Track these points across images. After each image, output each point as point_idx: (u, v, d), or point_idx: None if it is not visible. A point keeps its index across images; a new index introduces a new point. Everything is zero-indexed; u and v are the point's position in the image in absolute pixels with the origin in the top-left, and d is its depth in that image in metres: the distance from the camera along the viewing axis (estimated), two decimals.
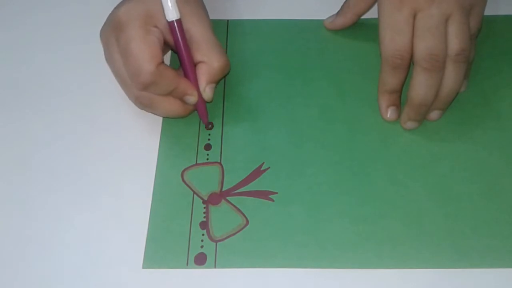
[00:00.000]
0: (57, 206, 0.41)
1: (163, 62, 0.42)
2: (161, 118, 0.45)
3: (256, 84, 0.48)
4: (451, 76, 0.42)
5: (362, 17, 0.51)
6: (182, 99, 0.43)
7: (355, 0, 0.50)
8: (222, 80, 0.48)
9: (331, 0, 0.52)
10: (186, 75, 0.43)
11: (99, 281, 0.38)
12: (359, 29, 0.51)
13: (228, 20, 0.52)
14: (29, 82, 0.48)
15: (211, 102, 0.45)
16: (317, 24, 0.51)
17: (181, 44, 0.42)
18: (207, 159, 0.44)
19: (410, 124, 0.44)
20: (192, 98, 0.43)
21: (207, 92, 0.43)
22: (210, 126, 0.45)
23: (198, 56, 0.43)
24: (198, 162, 0.43)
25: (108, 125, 0.45)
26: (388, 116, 0.45)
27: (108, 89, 0.47)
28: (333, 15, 0.51)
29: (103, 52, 0.45)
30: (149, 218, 0.41)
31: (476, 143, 0.44)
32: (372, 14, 0.50)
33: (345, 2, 0.51)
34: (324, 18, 0.51)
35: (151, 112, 0.45)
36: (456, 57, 0.41)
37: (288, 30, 0.51)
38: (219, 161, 0.43)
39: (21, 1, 0.54)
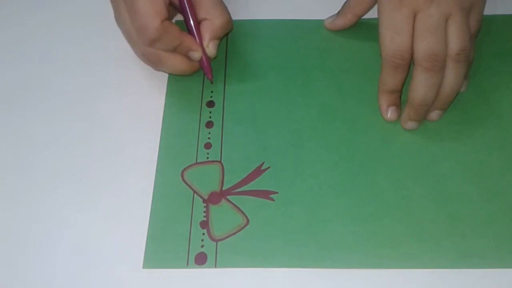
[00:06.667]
0: (57, 206, 0.41)
1: (168, 19, 0.43)
2: (161, 117, 0.45)
3: (256, 84, 0.48)
4: (452, 76, 0.42)
5: (362, 17, 0.51)
6: (187, 56, 0.45)
7: (355, 0, 0.50)
8: (222, 80, 0.48)
9: (331, 0, 0.52)
10: (190, 33, 0.45)
11: (99, 281, 0.38)
12: (359, 29, 0.51)
13: None
14: (29, 82, 0.48)
15: (214, 58, 0.47)
16: (317, 24, 0.51)
17: (186, 2, 0.44)
18: (207, 158, 0.43)
19: (410, 124, 0.44)
20: (197, 54, 0.45)
21: (210, 48, 0.45)
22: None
23: (201, 13, 0.45)
24: (198, 161, 0.43)
25: (108, 125, 0.45)
26: (388, 116, 0.45)
27: (108, 89, 0.47)
28: (333, 15, 0.51)
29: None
30: (149, 218, 0.40)
31: (476, 143, 0.44)
32: (372, 14, 0.50)
33: (345, 3, 0.51)
34: (324, 18, 0.51)
35: (159, 69, 0.47)
36: (457, 56, 0.42)
37: (288, 30, 0.51)
38: (219, 160, 0.43)
39: (21, 1, 0.54)
